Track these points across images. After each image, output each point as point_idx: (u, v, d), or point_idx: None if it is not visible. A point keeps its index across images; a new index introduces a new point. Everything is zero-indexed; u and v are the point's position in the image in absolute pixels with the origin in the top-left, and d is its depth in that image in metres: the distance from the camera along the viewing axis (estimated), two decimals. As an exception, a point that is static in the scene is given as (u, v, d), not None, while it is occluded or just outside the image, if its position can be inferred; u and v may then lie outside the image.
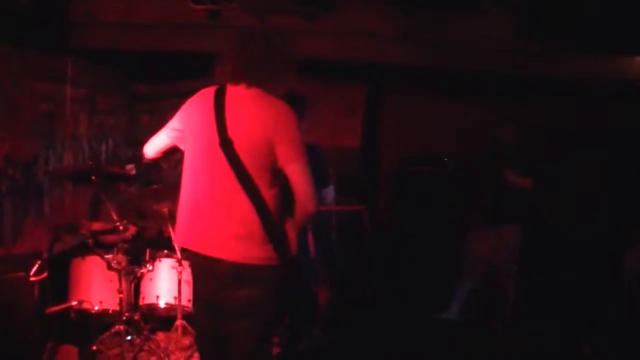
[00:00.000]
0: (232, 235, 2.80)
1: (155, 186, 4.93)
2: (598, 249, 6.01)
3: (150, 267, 4.82)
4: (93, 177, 4.59)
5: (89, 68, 5.73)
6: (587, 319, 5.40)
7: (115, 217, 4.57)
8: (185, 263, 4.85)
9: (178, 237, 3.05)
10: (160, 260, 4.92)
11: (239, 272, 2.82)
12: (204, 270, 2.93)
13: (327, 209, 5.69)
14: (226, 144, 2.79)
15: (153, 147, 3.18)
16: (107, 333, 4.58)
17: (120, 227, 4.57)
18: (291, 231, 2.86)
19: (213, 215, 2.83)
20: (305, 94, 3.89)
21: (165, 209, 4.79)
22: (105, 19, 5.25)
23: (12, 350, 3.71)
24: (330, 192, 4.77)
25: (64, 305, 4.48)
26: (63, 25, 5.13)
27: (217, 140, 2.81)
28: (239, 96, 2.87)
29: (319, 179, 3.02)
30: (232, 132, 2.80)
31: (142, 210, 4.92)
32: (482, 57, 5.66)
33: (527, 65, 5.73)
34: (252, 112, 2.81)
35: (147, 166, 4.74)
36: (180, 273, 4.77)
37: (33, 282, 3.89)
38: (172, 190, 5.10)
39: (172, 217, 4.87)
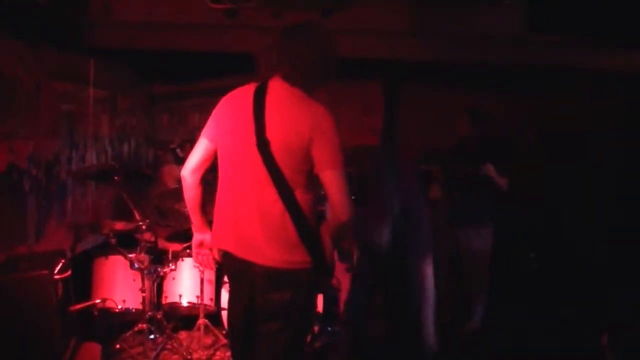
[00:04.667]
0: (265, 238, 2.76)
1: (177, 186, 4.95)
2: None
3: (173, 267, 4.83)
4: (116, 177, 4.64)
5: (109, 68, 5.75)
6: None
7: (137, 217, 4.61)
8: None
9: (215, 238, 3.02)
10: (182, 260, 4.93)
11: (272, 276, 2.78)
12: (239, 272, 2.90)
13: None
14: (263, 145, 2.72)
15: (194, 160, 2.97)
16: (130, 331, 4.61)
17: (143, 227, 4.60)
18: (327, 237, 2.81)
19: (248, 218, 2.79)
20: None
21: (187, 209, 4.79)
22: (123, 18, 5.27)
23: (36, 347, 3.73)
24: None
25: (87, 303, 4.50)
26: (81, 25, 5.16)
27: (254, 140, 2.74)
28: (279, 95, 2.79)
29: None
30: (269, 133, 2.73)
31: (164, 210, 4.92)
32: (496, 49, 5.62)
33: (541, 57, 5.68)
34: (292, 114, 2.74)
35: None
36: (202, 272, 4.78)
37: (56, 280, 3.90)
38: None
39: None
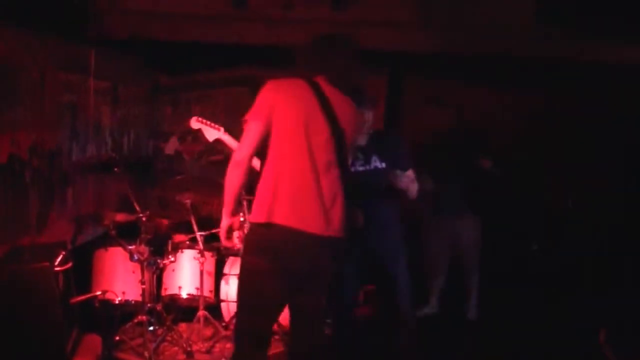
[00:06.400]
0: (339, 214, 3.15)
1: (179, 177, 4.95)
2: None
3: (173, 258, 4.83)
4: (116, 169, 4.64)
5: (112, 59, 5.72)
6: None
7: (137, 208, 4.60)
8: (207, 254, 4.88)
9: (279, 215, 3.05)
10: (182, 251, 4.94)
11: (333, 245, 3.14)
12: (304, 247, 3.07)
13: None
14: (337, 135, 3.15)
15: (254, 145, 3.10)
16: (130, 323, 4.62)
17: (144, 218, 4.60)
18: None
19: (324, 197, 3.11)
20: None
21: (188, 200, 4.81)
22: (128, 8, 5.24)
23: (37, 338, 3.75)
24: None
25: (88, 295, 4.51)
26: (87, 14, 5.14)
27: (327, 130, 3.13)
28: (333, 94, 3.20)
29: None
30: (339, 124, 3.17)
31: (165, 201, 4.92)
32: (503, 40, 5.60)
33: (549, 49, 5.66)
34: (347, 109, 3.24)
35: None
36: (202, 264, 4.78)
37: (57, 272, 3.91)
38: (195, 181, 5.13)
39: (194, 208, 4.91)
